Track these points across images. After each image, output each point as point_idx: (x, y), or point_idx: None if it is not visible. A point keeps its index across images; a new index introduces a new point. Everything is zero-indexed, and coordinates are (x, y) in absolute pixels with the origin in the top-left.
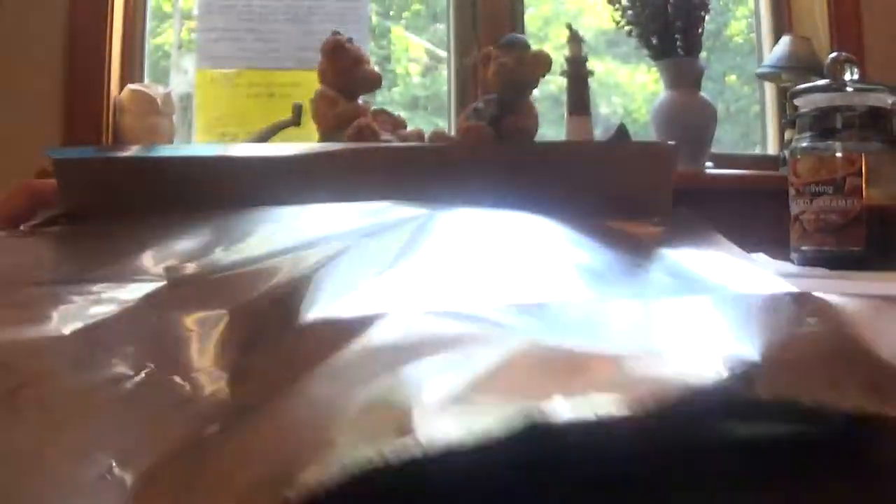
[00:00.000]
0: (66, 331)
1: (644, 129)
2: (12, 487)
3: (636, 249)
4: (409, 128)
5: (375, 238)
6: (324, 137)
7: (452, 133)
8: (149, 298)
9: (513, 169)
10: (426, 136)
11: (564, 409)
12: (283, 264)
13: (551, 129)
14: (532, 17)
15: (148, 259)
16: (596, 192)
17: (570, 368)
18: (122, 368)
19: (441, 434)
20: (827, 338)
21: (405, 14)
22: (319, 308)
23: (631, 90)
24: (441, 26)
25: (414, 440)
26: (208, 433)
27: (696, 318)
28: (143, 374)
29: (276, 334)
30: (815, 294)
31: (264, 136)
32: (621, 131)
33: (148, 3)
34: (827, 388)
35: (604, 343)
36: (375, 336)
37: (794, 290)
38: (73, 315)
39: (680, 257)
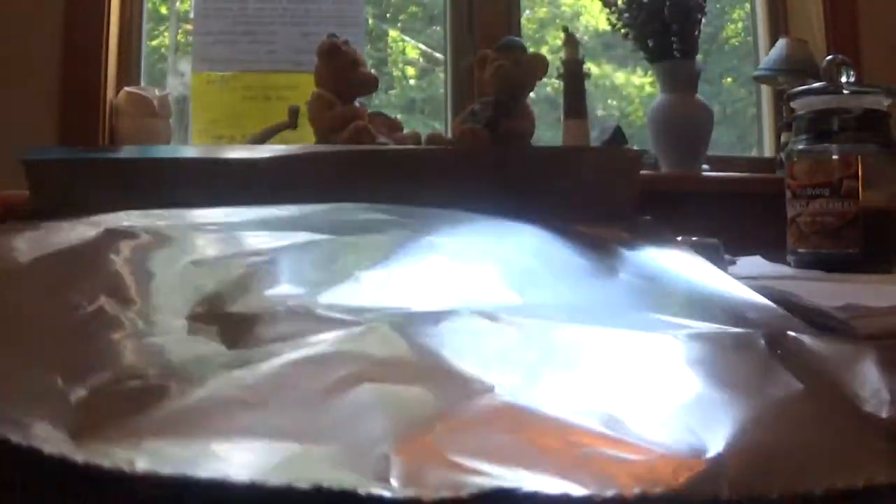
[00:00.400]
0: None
1: (641, 131)
2: None
3: (609, 254)
4: (406, 130)
5: (356, 236)
6: (320, 140)
7: (449, 135)
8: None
9: (495, 173)
10: (423, 138)
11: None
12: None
13: (548, 131)
14: (528, 20)
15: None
16: (563, 195)
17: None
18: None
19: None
20: (799, 408)
21: (401, 17)
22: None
23: (628, 92)
24: (438, 29)
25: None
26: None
27: (667, 373)
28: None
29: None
30: (788, 334)
31: (260, 139)
32: (617, 134)
33: (144, 5)
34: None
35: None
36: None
37: (764, 328)
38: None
39: (652, 264)
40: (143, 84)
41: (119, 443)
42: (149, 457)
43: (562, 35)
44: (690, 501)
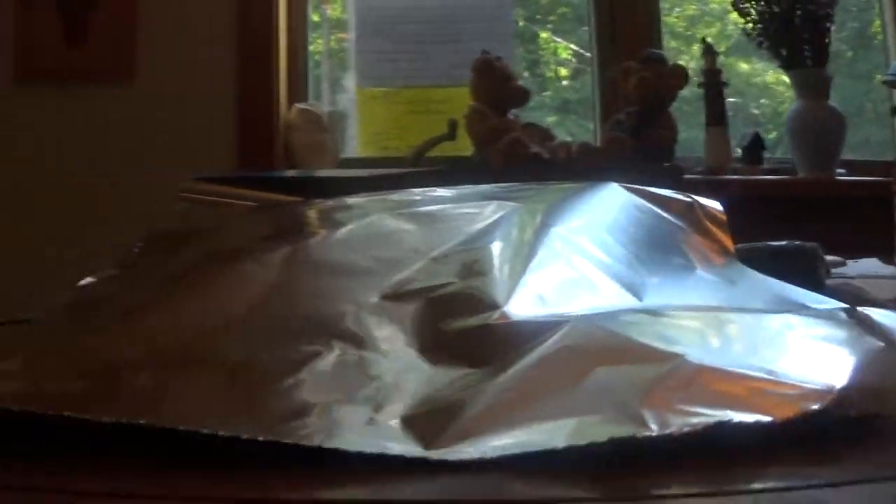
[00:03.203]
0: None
1: None
2: None
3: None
4: (558, 137)
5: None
6: (477, 151)
7: (598, 141)
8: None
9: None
10: (574, 147)
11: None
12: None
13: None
14: (677, 18)
15: None
16: None
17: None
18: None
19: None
20: (885, 357)
21: (551, 18)
22: (508, 303)
23: (779, 91)
24: (588, 29)
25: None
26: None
27: (795, 339)
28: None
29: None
30: (858, 310)
31: (422, 150)
32: (756, 140)
33: (309, 24)
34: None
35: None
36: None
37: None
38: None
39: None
40: (310, 100)
41: (468, 442)
42: (502, 445)
43: (711, 32)
44: (831, 417)
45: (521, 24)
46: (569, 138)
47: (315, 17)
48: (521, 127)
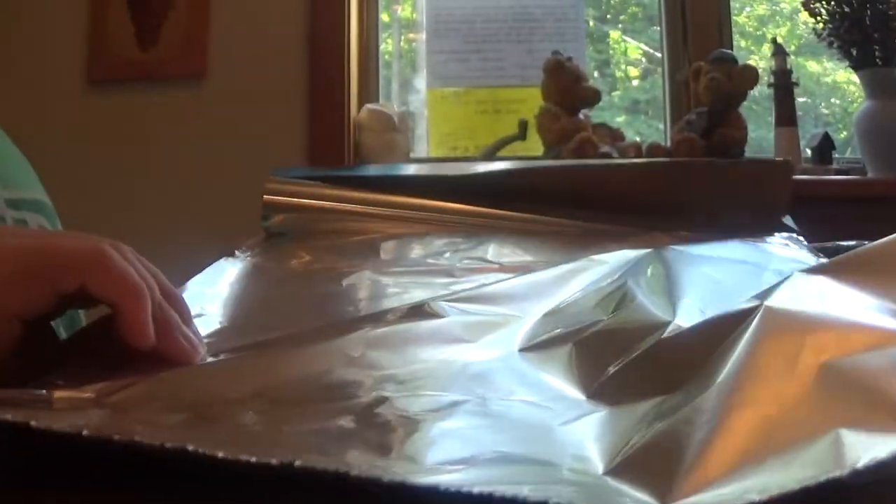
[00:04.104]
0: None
1: None
2: None
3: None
4: (628, 137)
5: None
6: (548, 150)
7: (668, 142)
8: None
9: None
10: (643, 147)
11: None
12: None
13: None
14: (748, 17)
15: None
16: (714, 204)
17: None
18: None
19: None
20: None
21: (622, 18)
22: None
23: (850, 90)
24: (658, 29)
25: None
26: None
27: None
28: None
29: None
30: None
31: (493, 150)
32: (825, 141)
33: (379, 25)
34: None
35: None
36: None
37: None
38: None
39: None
40: (380, 100)
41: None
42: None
43: (781, 31)
44: None
45: (591, 24)
46: (638, 138)
47: (385, 18)
48: (591, 127)
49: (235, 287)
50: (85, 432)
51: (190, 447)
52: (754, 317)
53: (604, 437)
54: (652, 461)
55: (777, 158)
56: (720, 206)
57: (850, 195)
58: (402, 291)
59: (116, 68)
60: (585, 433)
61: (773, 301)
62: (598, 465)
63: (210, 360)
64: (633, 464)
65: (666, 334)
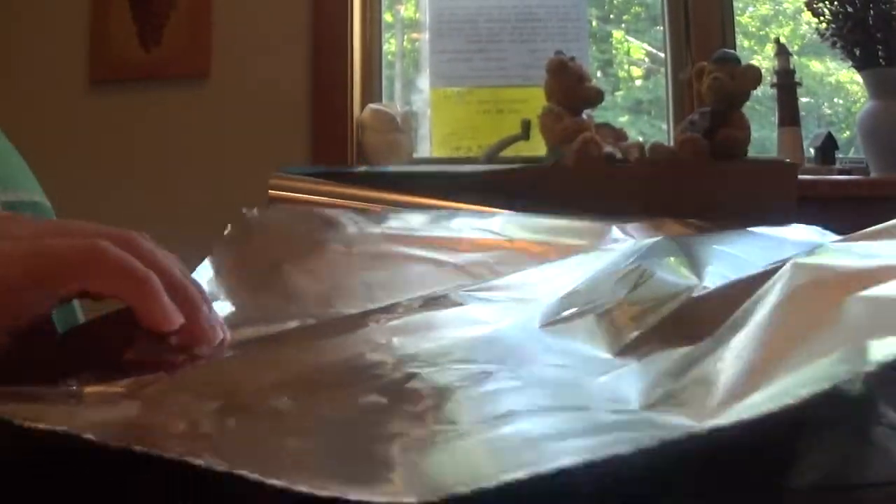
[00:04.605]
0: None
1: None
2: None
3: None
4: (631, 137)
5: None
6: (551, 150)
7: (671, 142)
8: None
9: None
10: (646, 147)
11: None
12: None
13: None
14: (751, 17)
15: None
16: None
17: None
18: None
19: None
20: None
21: (625, 17)
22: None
23: (853, 90)
24: (661, 29)
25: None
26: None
27: None
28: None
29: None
30: None
31: (496, 150)
32: (827, 141)
33: (382, 25)
34: None
35: None
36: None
37: None
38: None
39: None
40: (384, 100)
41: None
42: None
43: (784, 31)
44: None
45: (594, 23)
46: (641, 138)
47: (388, 18)
48: (594, 127)
49: (240, 276)
50: (89, 436)
51: (221, 467)
52: (785, 270)
53: (637, 383)
54: (687, 397)
55: (782, 159)
56: (724, 207)
57: (853, 195)
58: (418, 280)
59: (118, 68)
60: (618, 384)
61: (805, 259)
62: (635, 406)
63: (229, 353)
64: (668, 401)
65: (694, 294)
